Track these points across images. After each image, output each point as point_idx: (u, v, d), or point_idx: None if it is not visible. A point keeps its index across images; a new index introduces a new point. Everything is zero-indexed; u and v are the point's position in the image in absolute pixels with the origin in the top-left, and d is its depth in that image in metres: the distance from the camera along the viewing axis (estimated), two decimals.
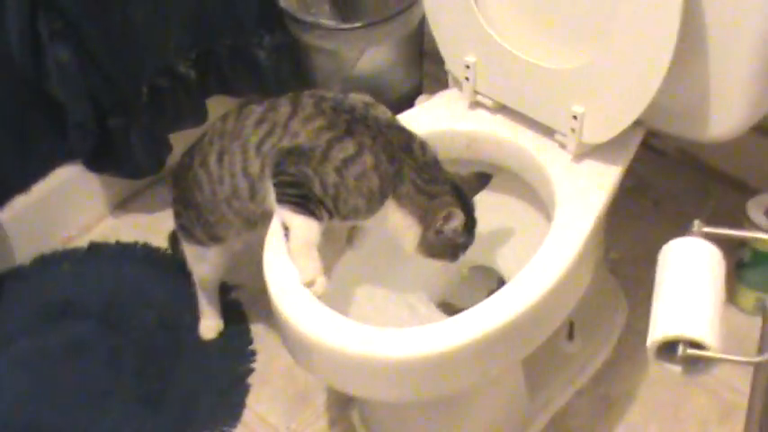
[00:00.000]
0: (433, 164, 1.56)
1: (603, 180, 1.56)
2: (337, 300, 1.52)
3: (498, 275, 1.74)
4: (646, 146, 1.62)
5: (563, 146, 1.61)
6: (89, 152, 2.09)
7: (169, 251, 2.05)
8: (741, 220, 1.85)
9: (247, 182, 1.60)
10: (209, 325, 1.96)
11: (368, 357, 1.39)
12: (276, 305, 1.46)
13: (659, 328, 1.20)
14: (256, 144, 1.58)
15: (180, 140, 2.12)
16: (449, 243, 1.55)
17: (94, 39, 1.94)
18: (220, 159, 1.62)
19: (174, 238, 1.97)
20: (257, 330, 1.98)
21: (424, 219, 1.53)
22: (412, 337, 1.39)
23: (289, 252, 1.51)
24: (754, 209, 1.85)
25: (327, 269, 1.53)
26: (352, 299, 1.65)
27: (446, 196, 1.52)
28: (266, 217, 1.60)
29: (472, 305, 1.43)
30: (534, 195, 1.65)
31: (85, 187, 2.22)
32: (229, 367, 1.91)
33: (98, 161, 2.15)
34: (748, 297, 1.90)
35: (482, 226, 1.60)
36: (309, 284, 1.47)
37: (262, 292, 1.52)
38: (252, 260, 1.63)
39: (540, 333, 1.51)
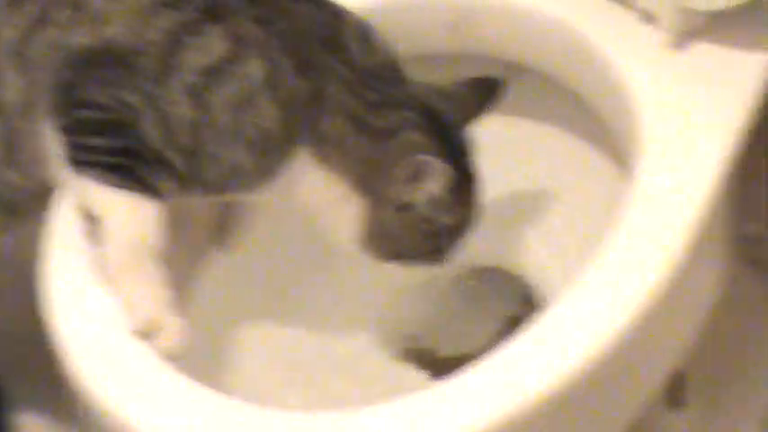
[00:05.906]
0: (384, 69, 1.13)
1: (730, 98, 1.13)
2: (207, 358, 1.17)
3: (524, 287, 1.34)
4: None
5: (649, 19, 1.16)
6: None
7: None
8: None
9: None
10: None
11: None
12: (78, 380, 1.03)
13: None
14: (14, 43, 1.10)
15: None
16: (423, 227, 1.14)
17: None
18: None
19: None
20: (23, 418, 1.50)
21: (372, 181, 1.12)
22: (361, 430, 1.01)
23: (102, 268, 1.08)
24: None
25: (184, 297, 1.12)
26: (236, 354, 1.25)
27: (411, 132, 1.12)
28: (42, 199, 1.15)
29: (477, 352, 1.08)
30: (593, 124, 1.23)
31: None
32: None
33: None
34: None
35: (491, 189, 1.18)
36: (148, 333, 1.06)
37: (33, 351, 1.17)
38: (11, 287, 1.31)
39: (622, 404, 1.12)
